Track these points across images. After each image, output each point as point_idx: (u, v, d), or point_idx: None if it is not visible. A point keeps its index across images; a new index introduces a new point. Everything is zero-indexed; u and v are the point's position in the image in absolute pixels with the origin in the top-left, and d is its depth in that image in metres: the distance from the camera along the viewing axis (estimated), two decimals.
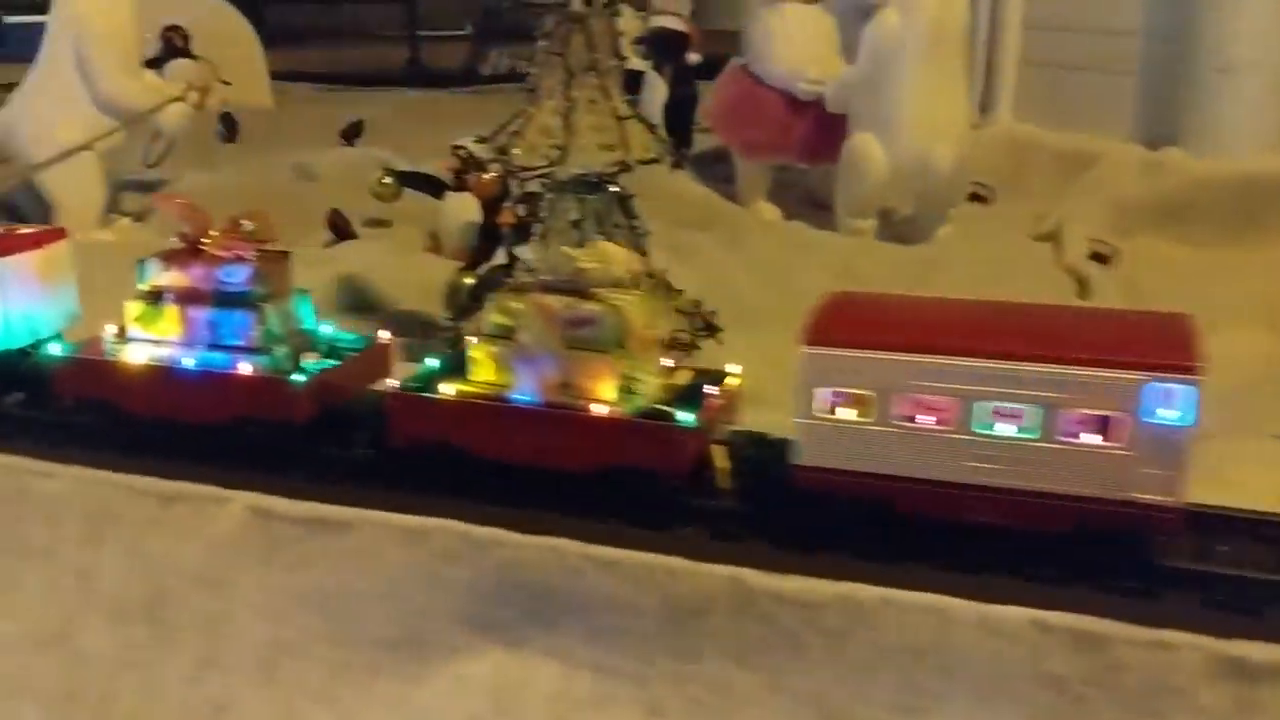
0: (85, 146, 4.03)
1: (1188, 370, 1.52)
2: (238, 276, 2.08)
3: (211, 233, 2.16)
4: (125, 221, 4.36)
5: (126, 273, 2.24)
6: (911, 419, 1.68)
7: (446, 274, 3.50)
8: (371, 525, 1.79)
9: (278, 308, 2.09)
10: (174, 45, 4.84)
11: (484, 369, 1.99)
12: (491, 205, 3.92)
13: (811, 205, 4.66)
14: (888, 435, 1.67)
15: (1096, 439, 1.58)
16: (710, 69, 4.99)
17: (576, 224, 2.48)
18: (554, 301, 1.96)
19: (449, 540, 1.76)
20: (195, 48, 4.85)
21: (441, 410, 1.95)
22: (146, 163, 4.36)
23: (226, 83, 4.81)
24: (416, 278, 3.51)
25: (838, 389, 1.71)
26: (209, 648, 1.78)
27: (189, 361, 2.05)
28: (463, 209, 3.94)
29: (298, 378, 2.03)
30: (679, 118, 5.03)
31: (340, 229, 3.96)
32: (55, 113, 4.05)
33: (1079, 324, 1.79)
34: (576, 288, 2.00)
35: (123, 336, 2.16)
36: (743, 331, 2.56)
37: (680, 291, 2.58)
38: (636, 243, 2.55)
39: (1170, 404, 1.53)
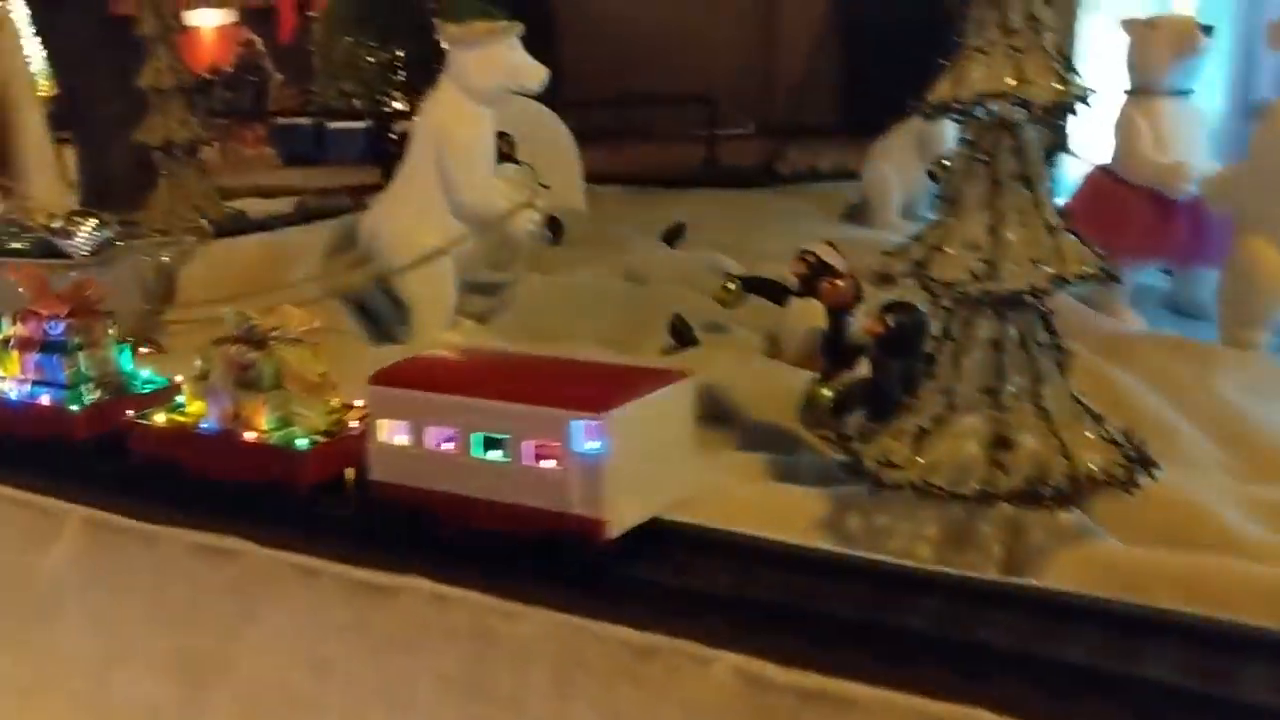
0: (441, 251, 4.18)
1: (601, 411, 1.90)
2: (58, 329, 2.70)
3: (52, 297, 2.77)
4: (469, 324, 4.48)
5: None
6: (437, 445, 2.09)
7: (801, 384, 3.38)
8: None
9: (90, 354, 2.68)
10: (500, 151, 5.03)
11: (192, 403, 2.49)
12: (841, 313, 3.80)
13: (1173, 312, 4.30)
14: (422, 456, 2.10)
15: (549, 463, 1.97)
16: None
17: (995, 344, 2.30)
18: (231, 350, 2.37)
19: None
20: (519, 151, 5.04)
21: (158, 434, 2.48)
22: (496, 268, 4.50)
23: (546, 186, 4.94)
24: (768, 387, 3.39)
25: (391, 419, 2.13)
26: None
27: (17, 395, 2.74)
28: (806, 315, 3.82)
29: (74, 406, 2.65)
30: None
31: (682, 335, 3.92)
32: (415, 218, 4.23)
33: (560, 373, 2.23)
34: (253, 339, 2.38)
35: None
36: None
37: (1100, 418, 2.34)
38: (1059, 363, 2.34)
39: (591, 437, 1.91)
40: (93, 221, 4.09)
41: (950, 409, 2.26)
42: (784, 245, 5.17)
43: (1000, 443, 2.22)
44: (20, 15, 7.56)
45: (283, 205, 7.63)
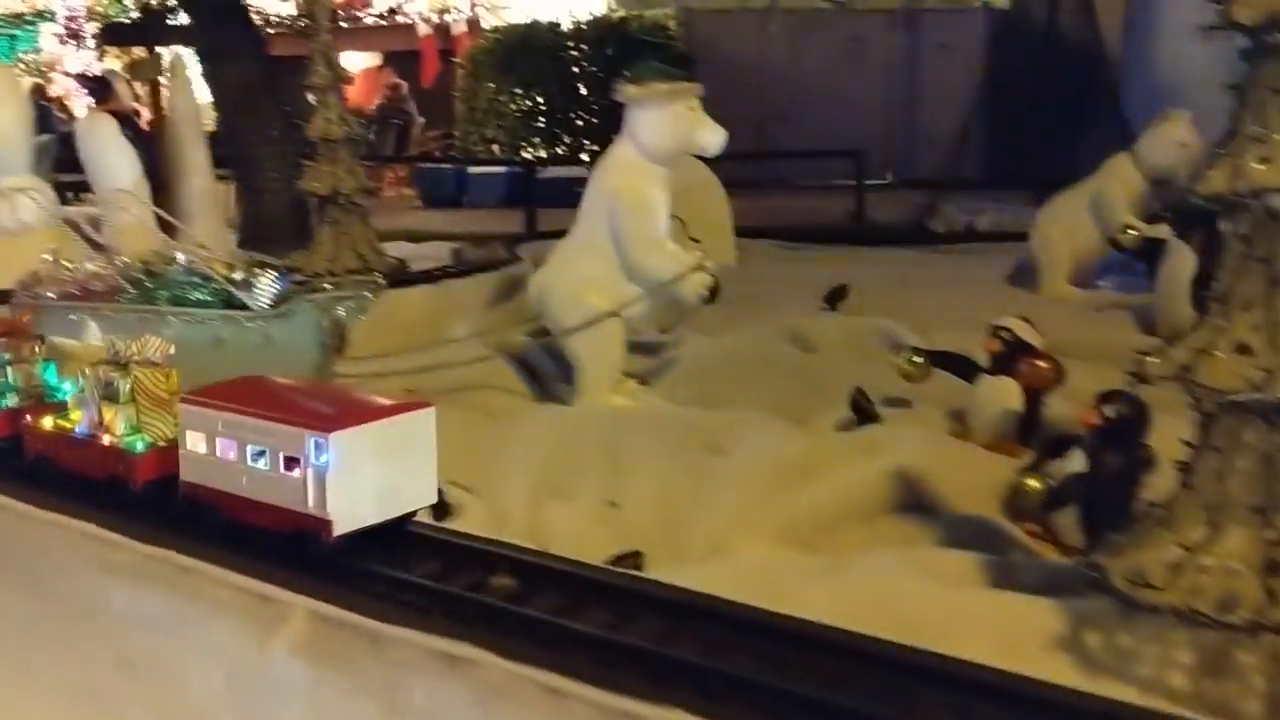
0: (612, 314, 4.11)
1: (328, 430, 2.21)
2: None
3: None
4: (632, 384, 4.40)
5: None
6: (226, 453, 2.40)
7: (1003, 472, 3.19)
8: None
9: (19, 369, 3.04)
10: None
11: (74, 412, 2.83)
12: (1038, 394, 3.60)
13: None
14: (213, 462, 2.42)
15: (294, 472, 2.28)
16: None
17: (1267, 457, 2.10)
18: (100, 369, 2.72)
19: None
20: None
21: (44, 435, 2.84)
22: (660, 328, 4.41)
23: (696, 240, 4.84)
24: (967, 474, 3.20)
25: (194, 430, 2.45)
26: None
27: None
28: (999, 395, 3.64)
29: None
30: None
31: (863, 410, 3.76)
32: (586, 279, 4.16)
33: (327, 399, 2.49)
34: (117, 361, 2.72)
35: None
36: None
37: None
38: None
39: (320, 452, 2.22)
40: (271, 274, 4.12)
41: (1214, 526, 2.07)
42: (954, 312, 5.01)
43: (1272, 567, 2.02)
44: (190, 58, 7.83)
45: (432, 250, 7.72)
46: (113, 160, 6.72)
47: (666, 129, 4.06)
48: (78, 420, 2.83)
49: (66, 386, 3.14)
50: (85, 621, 2.50)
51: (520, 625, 2.02)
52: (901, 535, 2.94)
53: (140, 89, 7.32)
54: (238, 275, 4.07)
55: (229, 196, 7.79)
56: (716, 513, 3.07)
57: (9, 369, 3.15)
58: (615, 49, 12.90)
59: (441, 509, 2.80)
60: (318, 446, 2.23)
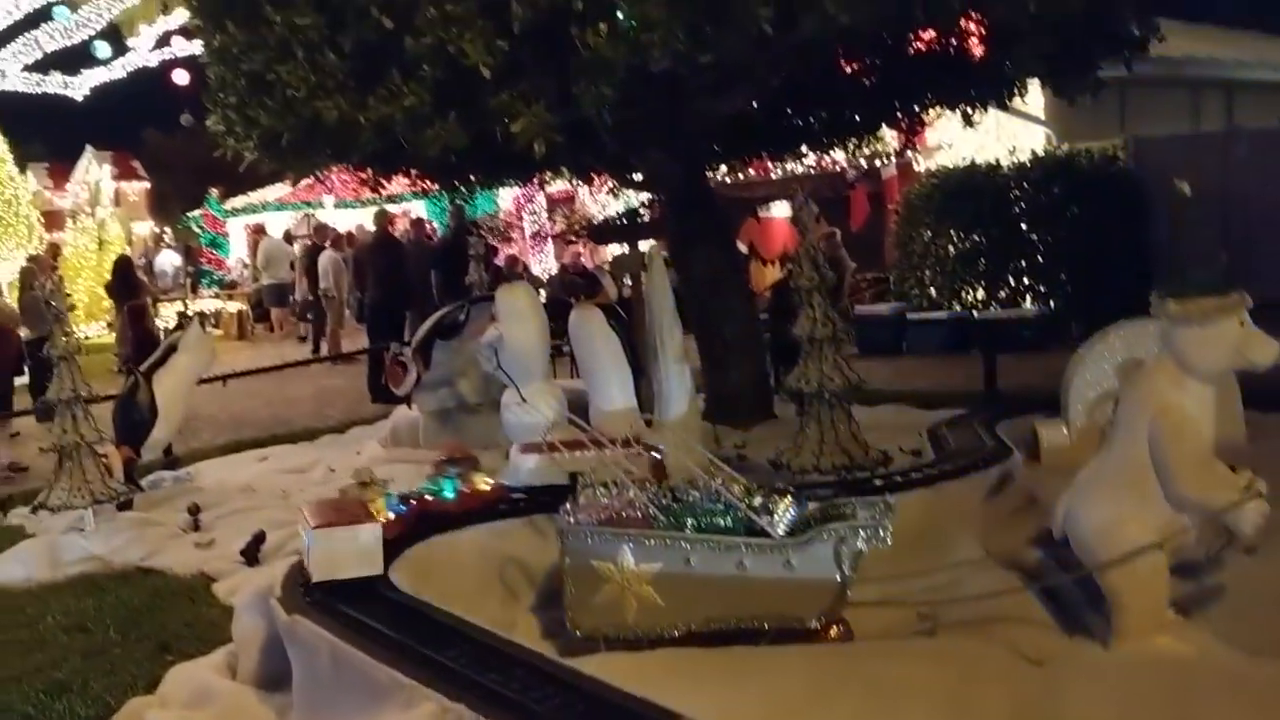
0: (1155, 546, 3.78)
1: None
2: None
3: None
4: (1170, 614, 3.99)
5: None
6: None
7: None
8: None
9: None
10: None
11: None
12: None
13: None
14: None
15: None
16: None
17: None
18: None
19: None
20: None
21: None
22: (1207, 555, 4.01)
23: None
24: None
25: None
26: None
27: None
28: None
29: None
30: None
31: None
32: (1121, 505, 3.87)
33: None
34: None
35: None
36: None
37: None
38: None
39: None
40: (788, 500, 4.17)
41: None
42: None
43: None
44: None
45: (892, 417, 7.60)
46: (600, 350, 7.23)
47: (1216, 348, 3.74)
48: None
49: None
50: None
51: None
52: None
53: (623, 281, 7.86)
54: (757, 500, 4.14)
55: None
56: None
57: None
58: (1061, 186, 12.43)
59: None
60: None
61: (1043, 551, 4.59)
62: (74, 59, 20.88)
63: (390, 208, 16.67)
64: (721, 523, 4.13)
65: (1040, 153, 13.25)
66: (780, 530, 4.06)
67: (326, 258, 16.67)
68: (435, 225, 19.40)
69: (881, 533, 4.01)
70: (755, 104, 7.84)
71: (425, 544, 4.75)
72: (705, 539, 4.08)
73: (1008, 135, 14.38)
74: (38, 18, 20.36)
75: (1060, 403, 5.52)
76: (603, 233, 11.42)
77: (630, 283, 7.76)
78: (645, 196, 12.24)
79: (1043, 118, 13.82)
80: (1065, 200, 12.29)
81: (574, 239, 16.11)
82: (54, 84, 20.79)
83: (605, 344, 7.23)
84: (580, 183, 12.61)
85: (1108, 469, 3.98)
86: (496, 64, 5.57)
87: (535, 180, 12.53)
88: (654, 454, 5.22)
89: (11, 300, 14.16)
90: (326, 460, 8.40)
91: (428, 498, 5.05)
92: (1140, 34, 6.87)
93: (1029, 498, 5.25)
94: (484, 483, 5.29)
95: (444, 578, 4.53)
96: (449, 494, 5.09)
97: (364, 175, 8.46)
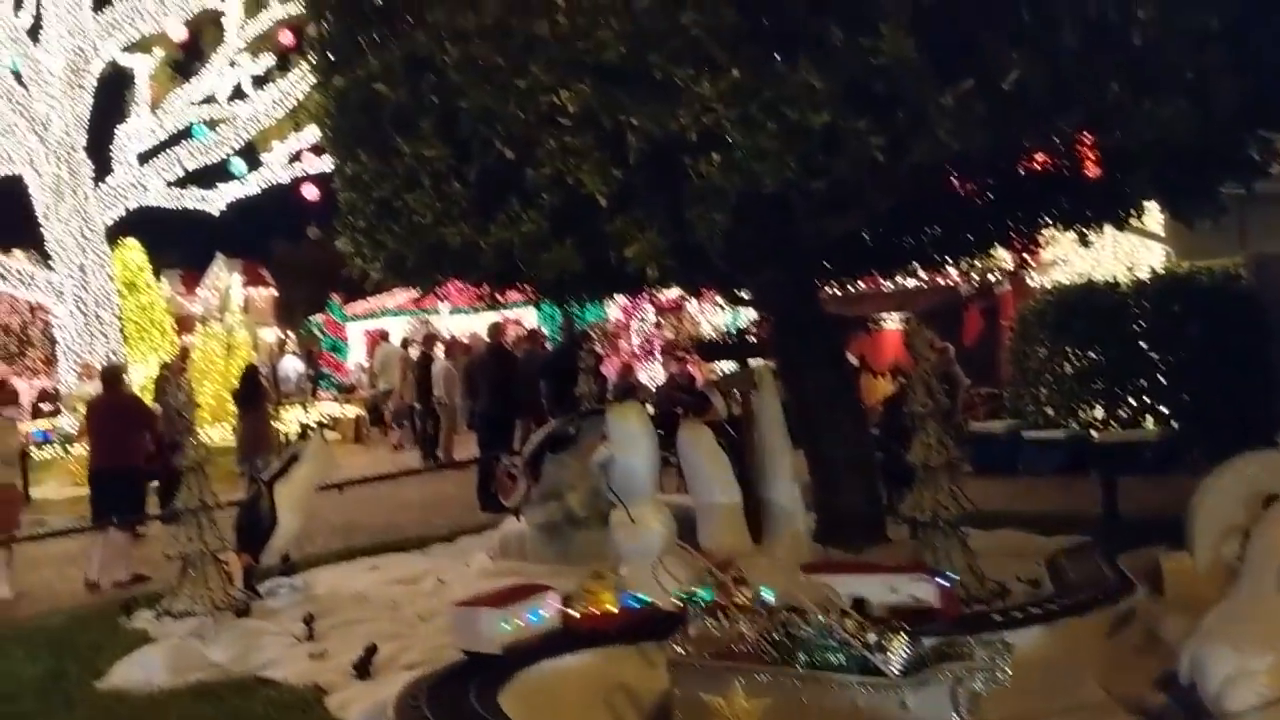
0: None
1: None
2: None
3: None
4: None
5: None
6: None
7: None
8: None
9: None
10: None
11: None
12: None
13: None
14: None
15: None
16: None
17: None
18: None
19: None
20: None
21: None
22: None
23: None
24: None
25: None
26: None
27: None
28: None
29: None
30: None
31: None
32: (1255, 649, 3.72)
33: None
34: None
35: None
36: None
37: None
38: None
39: None
40: (903, 638, 4.09)
41: None
42: None
43: None
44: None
45: (1002, 541, 7.39)
46: (710, 472, 7.25)
47: None
48: None
49: None
50: None
51: None
52: None
53: (733, 397, 7.89)
54: (871, 638, 4.07)
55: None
56: None
57: None
58: (1181, 305, 12.13)
59: None
60: None
61: (1168, 695, 4.41)
62: (211, 174, 22.05)
63: (504, 313, 17.02)
64: (834, 659, 4.07)
65: (1159, 270, 12.99)
66: (895, 669, 3.98)
67: (439, 366, 17.06)
68: (546, 333, 19.74)
69: (999, 673, 3.90)
70: (867, 224, 7.88)
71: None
72: (817, 675, 4.03)
73: (1124, 252, 14.13)
74: (179, 136, 21.62)
75: (1185, 534, 5.35)
76: (711, 351, 11.45)
77: (740, 399, 7.78)
78: (753, 314, 12.30)
79: (1161, 234, 13.56)
80: (1185, 319, 11.98)
81: (683, 356, 16.19)
82: (192, 198, 21.92)
83: (715, 467, 7.25)
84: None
85: (1238, 613, 3.84)
86: (611, 192, 5.74)
87: (644, 292, 12.69)
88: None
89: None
90: (436, 571, 8.49)
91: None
92: (1260, 158, 6.76)
93: (1153, 636, 5.06)
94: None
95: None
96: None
97: (481, 292, 8.70)
